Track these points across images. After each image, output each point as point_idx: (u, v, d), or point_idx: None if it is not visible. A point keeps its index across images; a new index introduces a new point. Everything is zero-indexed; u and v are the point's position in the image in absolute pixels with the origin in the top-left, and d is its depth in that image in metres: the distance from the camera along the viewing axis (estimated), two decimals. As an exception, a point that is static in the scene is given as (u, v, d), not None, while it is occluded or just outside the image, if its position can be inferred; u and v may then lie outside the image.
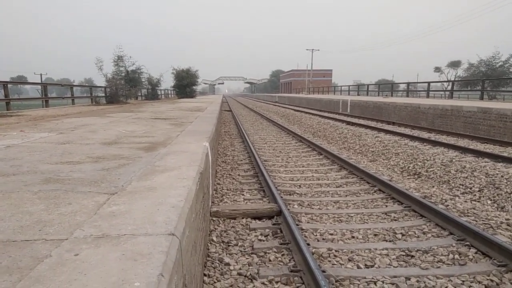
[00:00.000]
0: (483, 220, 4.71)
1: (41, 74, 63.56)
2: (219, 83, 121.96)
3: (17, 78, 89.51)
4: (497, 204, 5.54)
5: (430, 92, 26.67)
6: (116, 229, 1.87)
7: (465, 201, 5.71)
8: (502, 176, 6.22)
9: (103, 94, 20.96)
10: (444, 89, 42.15)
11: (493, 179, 6.21)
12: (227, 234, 4.27)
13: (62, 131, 6.19)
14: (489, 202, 5.67)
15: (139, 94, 28.23)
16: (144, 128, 6.88)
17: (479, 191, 6.06)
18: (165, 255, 1.58)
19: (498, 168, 6.67)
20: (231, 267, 3.46)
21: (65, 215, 2.09)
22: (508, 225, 4.53)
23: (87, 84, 34.37)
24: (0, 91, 12.89)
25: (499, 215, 4.99)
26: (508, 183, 5.93)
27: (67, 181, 2.86)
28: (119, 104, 18.43)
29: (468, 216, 4.89)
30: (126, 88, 21.96)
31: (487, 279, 3.25)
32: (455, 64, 55.66)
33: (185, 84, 32.11)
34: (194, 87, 34.06)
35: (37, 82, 42.03)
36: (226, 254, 3.77)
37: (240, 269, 3.43)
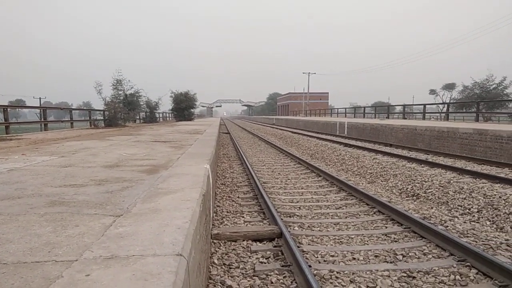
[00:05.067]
0: (483, 241, 4.74)
1: (40, 98, 64.03)
2: (216, 106, 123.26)
3: (16, 102, 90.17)
4: (496, 225, 5.57)
5: (426, 114, 26.99)
6: (124, 250, 1.91)
7: (464, 222, 5.74)
8: (500, 197, 6.27)
9: (102, 117, 21.10)
10: (440, 111, 42.71)
11: (491, 200, 6.26)
12: (228, 257, 4.27)
13: (64, 154, 6.24)
14: (488, 222, 5.70)
15: (138, 117, 28.45)
16: (145, 151, 6.94)
17: (477, 212, 6.10)
18: (175, 275, 1.62)
19: (496, 189, 6.73)
20: (234, 290, 3.46)
21: (73, 237, 2.12)
22: (508, 245, 4.56)
23: (85, 108, 34.61)
24: (-1, 115, 13.02)
25: (498, 235, 5.02)
26: (506, 203, 5.98)
27: (72, 203, 2.89)
28: (118, 127, 18.54)
29: (468, 237, 4.91)
30: (125, 111, 22.14)
31: (489, 300, 3.26)
32: (449, 87, 56.52)
33: (183, 107, 32.57)
34: (192, 110, 34.51)
35: (36, 106, 42.19)
36: (228, 276, 3.77)
37: (242, 291, 3.43)
